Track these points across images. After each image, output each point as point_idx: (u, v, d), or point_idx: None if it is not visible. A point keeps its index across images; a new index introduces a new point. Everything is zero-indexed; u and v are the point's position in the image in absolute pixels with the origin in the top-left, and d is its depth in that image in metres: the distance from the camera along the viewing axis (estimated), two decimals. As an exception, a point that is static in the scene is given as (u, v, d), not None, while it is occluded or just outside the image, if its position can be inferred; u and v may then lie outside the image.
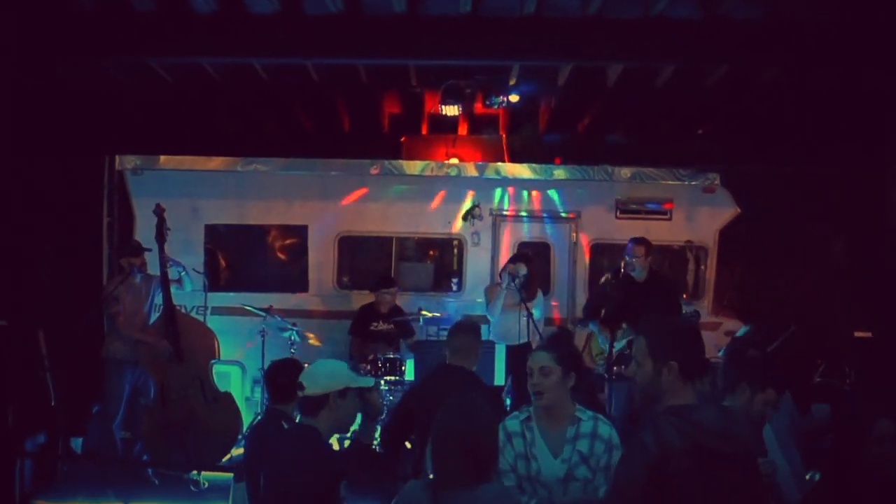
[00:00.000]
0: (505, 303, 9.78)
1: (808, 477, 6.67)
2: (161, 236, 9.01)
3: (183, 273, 9.40)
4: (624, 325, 9.00)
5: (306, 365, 5.49)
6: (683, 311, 9.44)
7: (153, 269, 9.27)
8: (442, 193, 11.19)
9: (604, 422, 5.21)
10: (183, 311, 9.82)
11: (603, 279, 9.82)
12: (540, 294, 10.07)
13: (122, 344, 8.97)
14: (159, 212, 9.07)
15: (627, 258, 9.29)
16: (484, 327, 10.38)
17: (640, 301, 8.99)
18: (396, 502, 4.39)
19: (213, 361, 9.33)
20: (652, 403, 4.01)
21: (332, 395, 4.87)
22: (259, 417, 9.02)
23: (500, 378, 8.99)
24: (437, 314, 10.31)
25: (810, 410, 7.26)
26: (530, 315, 9.40)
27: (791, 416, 6.28)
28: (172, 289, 9.19)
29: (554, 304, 11.18)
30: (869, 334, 9.81)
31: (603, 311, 9.48)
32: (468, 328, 6.87)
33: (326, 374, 4.98)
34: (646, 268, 9.32)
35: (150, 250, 9.05)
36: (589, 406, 5.43)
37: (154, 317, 9.36)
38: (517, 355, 9.00)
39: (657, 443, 3.82)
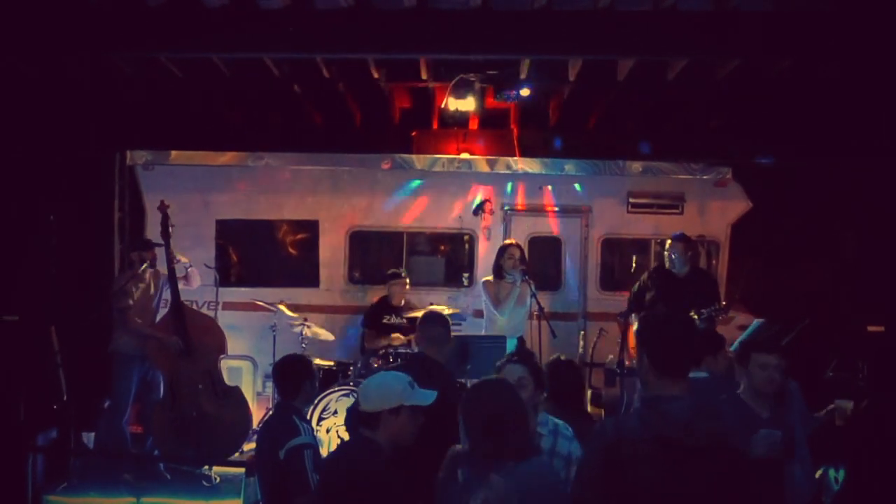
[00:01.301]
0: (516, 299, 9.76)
1: (818, 474, 6.65)
2: (167, 233, 9.02)
3: (189, 269, 9.40)
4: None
5: (316, 361, 5.51)
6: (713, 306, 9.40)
7: (160, 265, 9.27)
8: (452, 188, 11.18)
9: (563, 437, 5.17)
10: (194, 306, 9.83)
11: (645, 273, 9.91)
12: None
13: (131, 339, 8.97)
14: (164, 209, 9.08)
15: (668, 254, 9.42)
16: (476, 321, 10.43)
17: (680, 295, 9.05)
18: (445, 466, 4.46)
19: (221, 356, 9.34)
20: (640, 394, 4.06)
21: (384, 413, 4.80)
22: (270, 412, 9.03)
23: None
24: (449, 309, 10.29)
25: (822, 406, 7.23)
26: (542, 310, 9.37)
27: (801, 412, 6.26)
28: (180, 285, 9.20)
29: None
30: (882, 328, 9.77)
31: (646, 303, 9.54)
32: (440, 320, 6.82)
33: (379, 391, 4.90)
34: (687, 263, 9.43)
35: (160, 245, 9.06)
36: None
37: (161, 312, 9.37)
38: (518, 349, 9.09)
39: (615, 427, 3.90)
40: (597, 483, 3.83)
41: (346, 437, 6.82)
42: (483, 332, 9.74)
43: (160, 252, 9.12)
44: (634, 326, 9.65)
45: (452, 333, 7.96)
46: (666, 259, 9.59)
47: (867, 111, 10.53)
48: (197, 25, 8.57)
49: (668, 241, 9.70)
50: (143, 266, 9.09)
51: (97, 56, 9.62)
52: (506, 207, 11.23)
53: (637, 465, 3.73)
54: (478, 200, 11.14)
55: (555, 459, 5.03)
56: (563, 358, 6.27)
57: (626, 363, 9.05)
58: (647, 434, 3.78)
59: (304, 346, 9.91)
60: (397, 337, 9.91)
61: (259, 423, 9.37)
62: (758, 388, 5.65)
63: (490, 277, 9.88)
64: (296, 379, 6.08)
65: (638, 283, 9.94)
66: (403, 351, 9.55)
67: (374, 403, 4.82)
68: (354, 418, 5.07)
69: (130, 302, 9.02)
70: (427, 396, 4.93)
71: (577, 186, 11.21)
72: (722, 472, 3.74)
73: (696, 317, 9.04)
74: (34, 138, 10.18)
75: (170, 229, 9.04)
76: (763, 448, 5.16)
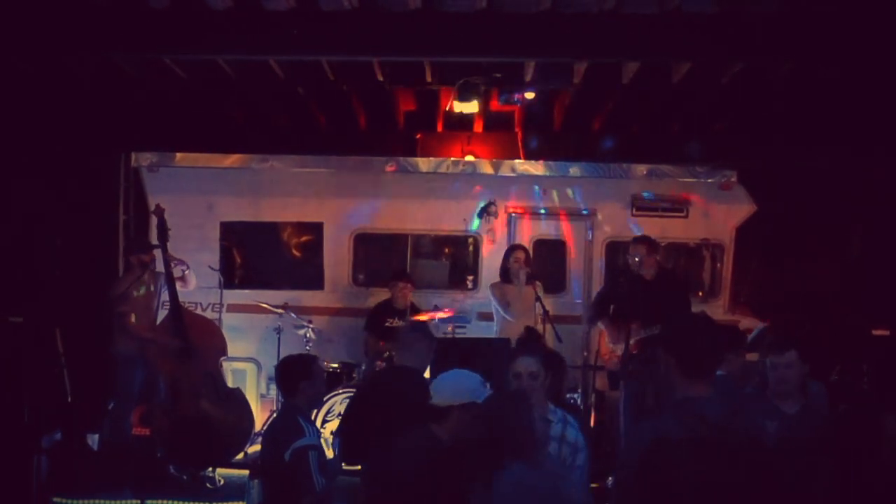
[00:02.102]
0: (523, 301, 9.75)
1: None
2: (164, 236, 9.02)
3: (186, 271, 9.39)
4: (633, 325, 8.95)
5: (326, 363, 5.56)
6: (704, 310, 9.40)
7: (159, 267, 9.28)
8: (457, 191, 11.18)
9: (571, 425, 5.33)
10: (198, 308, 9.83)
11: (611, 276, 9.83)
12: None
13: (131, 341, 8.97)
14: (160, 212, 9.09)
15: (630, 257, 9.28)
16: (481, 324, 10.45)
17: (650, 299, 8.96)
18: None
19: (222, 358, 9.33)
20: (666, 396, 4.06)
21: (455, 408, 4.97)
22: (275, 414, 9.03)
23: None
24: (453, 312, 10.28)
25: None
26: (546, 313, 9.37)
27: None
28: (177, 286, 9.19)
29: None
30: (887, 332, 9.76)
31: (612, 309, 9.46)
32: (424, 329, 6.85)
33: (453, 387, 5.08)
34: (653, 266, 9.27)
35: (158, 247, 9.06)
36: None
37: (161, 314, 9.37)
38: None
39: (652, 430, 3.93)
40: (636, 486, 3.87)
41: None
42: (495, 335, 9.76)
43: (158, 254, 9.12)
44: (603, 330, 9.60)
45: (458, 335, 7.97)
46: (631, 262, 9.41)
47: (871, 113, 10.52)
48: (200, 27, 8.57)
49: (631, 244, 9.56)
50: (144, 269, 9.10)
51: (100, 57, 9.63)
52: (510, 210, 11.22)
53: (676, 467, 3.76)
54: (482, 203, 11.12)
55: (563, 446, 5.20)
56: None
57: (629, 366, 8.98)
58: (685, 435, 3.81)
59: (307, 348, 9.91)
60: None
61: (263, 424, 9.38)
62: (774, 389, 5.74)
63: (497, 281, 9.91)
64: (293, 379, 6.09)
65: (602, 288, 9.89)
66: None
67: (446, 398, 4.99)
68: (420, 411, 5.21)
69: (131, 305, 9.03)
70: None
71: (581, 189, 11.19)
72: (757, 470, 3.79)
73: None
74: (39, 140, 10.19)
75: (167, 232, 9.05)
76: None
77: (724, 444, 3.78)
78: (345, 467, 6.33)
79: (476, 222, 11.14)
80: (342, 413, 8.38)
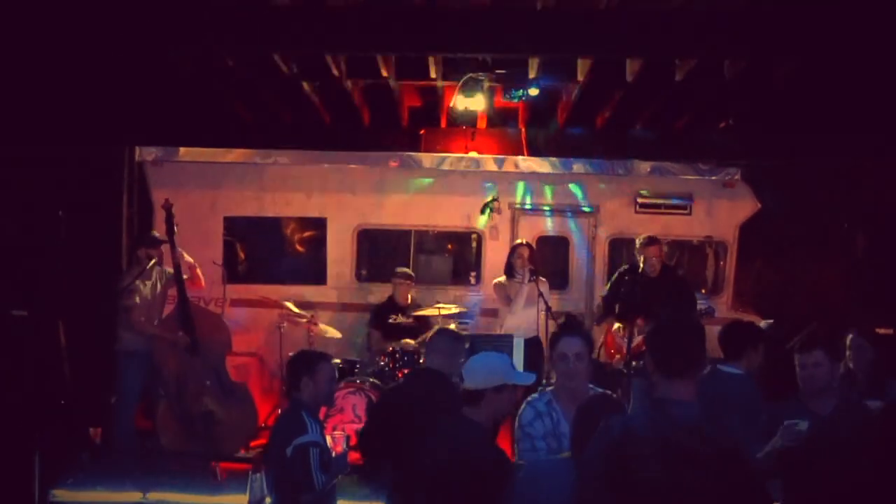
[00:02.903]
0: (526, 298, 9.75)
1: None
2: (171, 230, 9.03)
3: (197, 270, 9.38)
4: (639, 321, 9.00)
5: (336, 361, 5.67)
6: (699, 306, 9.42)
7: (166, 262, 9.27)
8: (460, 187, 11.17)
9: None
10: (201, 303, 9.84)
11: (615, 275, 9.84)
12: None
13: (135, 336, 8.97)
14: (167, 206, 9.09)
15: (643, 260, 9.33)
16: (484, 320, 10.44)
17: (654, 296, 9.00)
18: None
19: (227, 353, 9.34)
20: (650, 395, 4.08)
21: (488, 391, 5.10)
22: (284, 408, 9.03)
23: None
24: (456, 308, 10.27)
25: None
26: (549, 309, 9.37)
27: None
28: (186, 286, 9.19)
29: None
30: (891, 331, 9.73)
31: (617, 307, 9.49)
32: (454, 334, 6.86)
33: (485, 369, 5.23)
34: (659, 263, 9.36)
35: (166, 242, 9.06)
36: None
37: (166, 310, 9.37)
38: (531, 349, 9.15)
39: (622, 426, 3.93)
40: (599, 479, 3.87)
41: (351, 434, 6.82)
42: (499, 332, 9.77)
43: (166, 249, 9.12)
44: (615, 328, 9.65)
45: (461, 331, 7.97)
46: (640, 262, 9.46)
47: (875, 111, 10.49)
48: (203, 21, 8.56)
49: (638, 243, 9.58)
50: (151, 263, 9.08)
51: (104, 51, 9.62)
52: (514, 207, 11.21)
53: (640, 465, 3.75)
54: (486, 199, 11.12)
55: None
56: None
57: (634, 363, 9.00)
58: (653, 435, 3.80)
59: (311, 343, 9.91)
60: (408, 342, 9.80)
61: (266, 419, 9.40)
62: (803, 389, 5.74)
63: (502, 278, 9.90)
64: (296, 374, 6.11)
65: (609, 286, 9.90)
66: (412, 349, 9.52)
67: (478, 382, 5.13)
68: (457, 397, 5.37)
69: (137, 300, 9.03)
70: (527, 378, 5.40)
71: (585, 186, 11.19)
72: (725, 481, 3.74)
73: None
74: (42, 133, 10.18)
75: (175, 227, 9.05)
76: (787, 439, 5.25)
77: (692, 447, 3.74)
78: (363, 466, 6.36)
79: (483, 219, 11.13)
80: (361, 415, 8.43)
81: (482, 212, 11.10)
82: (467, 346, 7.06)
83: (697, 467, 3.72)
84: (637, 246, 9.55)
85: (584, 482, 4.05)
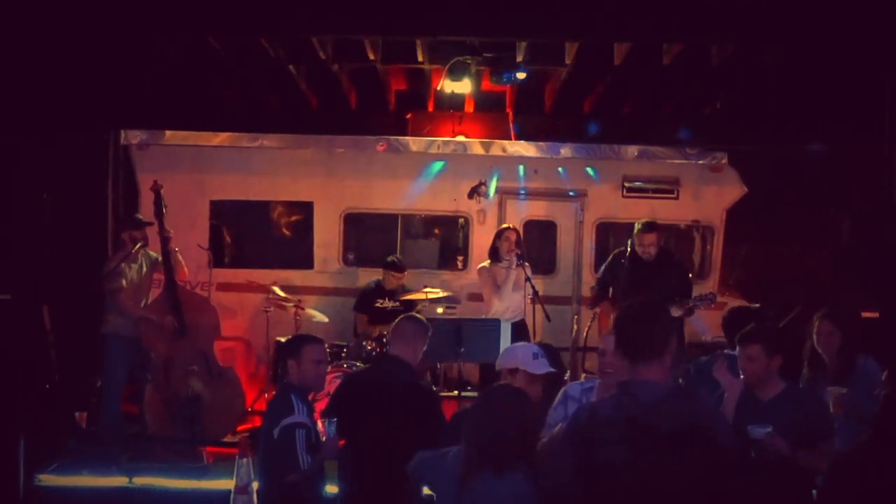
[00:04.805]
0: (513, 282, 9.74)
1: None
2: (160, 213, 8.97)
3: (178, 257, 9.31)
4: None
5: (327, 346, 5.82)
6: (697, 292, 9.40)
7: (152, 244, 9.21)
8: (447, 170, 11.14)
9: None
10: (188, 287, 9.80)
11: (611, 257, 9.78)
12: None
13: (122, 319, 8.91)
14: (156, 188, 9.04)
15: (640, 247, 9.28)
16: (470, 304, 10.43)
17: (650, 280, 8.98)
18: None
19: (215, 337, 9.31)
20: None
21: (504, 372, 5.53)
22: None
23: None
24: (442, 292, 10.25)
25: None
26: (536, 293, 9.36)
27: (869, 388, 6.26)
28: None
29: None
30: (876, 314, 9.77)
31: (611, 291, 9.47)
32: (418, 320, 6.80)
33: (506, 352, 5.78)
34: (655, 249, 9.32)
35: (151, 224, 9.00)
36: None
37: (152, 294, 9.32)
38: (517, 332, 9.16)
39: (590, 409, 4.04)
40: (561, 459, 3.97)
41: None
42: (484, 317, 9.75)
43: (151, 232, 9.06)
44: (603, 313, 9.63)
45: (448, 316, 7.94)
46: (637, 246, 9.43)
47: (862, 96, 10.52)
48: (189, 4, 8.51)
49: (636, 228, 9.55)
50: (137, 246, 9.03)
51: (89, 34, 9.56)
52: (501, 191, 11.19)
53: (604, 446, 3.81)
54: (473, 184, 11.08)
55: None
56: None
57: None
58: (618, 415, 3.85)
59: (297, 327, 9.88)
60: None
61: (252, 403, 9.38)
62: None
63: (486, 263, 9.87)
64: (283, 357, 6.13)
65: (604, 270, 9.87)
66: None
67: (498, 362, 5.65)
68: None
69: (123, 283, 8.96)
70: (538, 367, 5.51)
71: (572, 170, 11.16)
72: (691, 457, 3.76)
73: (688, 306, 9.03)
74: (27, 119, 10.12)
75: (164, 209, 8.99)
76: (759, 452, 5.20)
77: (654, 424, 3.76)
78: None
79: (466, 202, 11.08)
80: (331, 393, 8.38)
81: (469, 196, 11.06)
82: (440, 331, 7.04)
83: (659, 443, 3.75)
84: (635, 231, 9.47)
85: (545, 458, 4.12)
